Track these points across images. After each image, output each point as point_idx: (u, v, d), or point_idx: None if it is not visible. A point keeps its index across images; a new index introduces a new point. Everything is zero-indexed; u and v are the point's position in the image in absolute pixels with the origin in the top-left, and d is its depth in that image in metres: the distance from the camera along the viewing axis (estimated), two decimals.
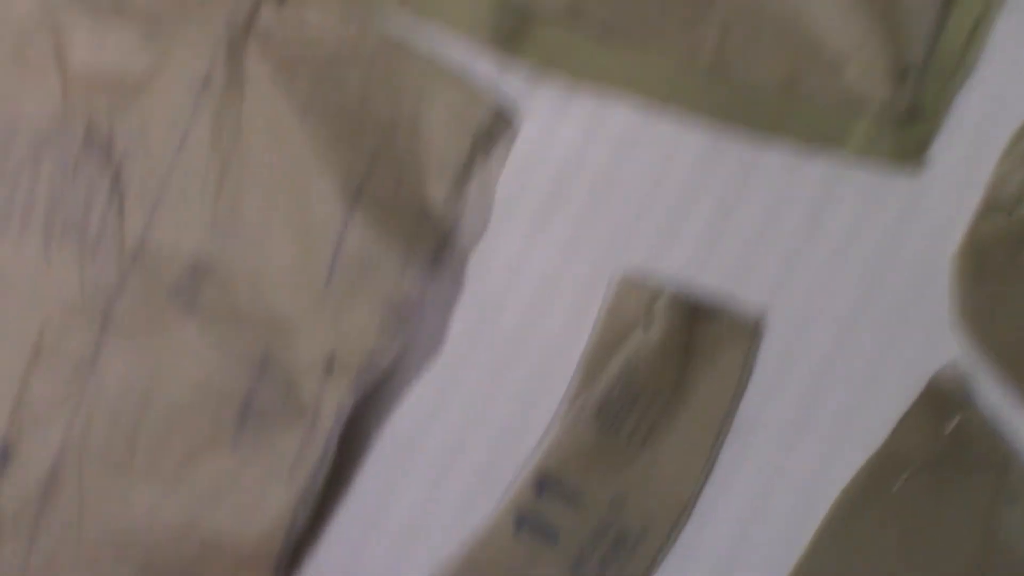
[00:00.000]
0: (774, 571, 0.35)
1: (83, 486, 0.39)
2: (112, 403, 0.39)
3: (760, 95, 0.38)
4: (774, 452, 0.36)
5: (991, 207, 0.35)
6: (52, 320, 0.41)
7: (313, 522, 0.37)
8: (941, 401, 0.34)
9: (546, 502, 0.36)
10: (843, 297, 0.36)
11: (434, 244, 0.38)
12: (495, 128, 0.39)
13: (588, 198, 0.38)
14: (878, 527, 0.34)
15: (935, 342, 0.35)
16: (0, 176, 0.43)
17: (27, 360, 0.41)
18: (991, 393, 0.35)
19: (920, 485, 0.34)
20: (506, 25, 0.39)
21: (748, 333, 0.36)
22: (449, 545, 0.36)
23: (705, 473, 0.36)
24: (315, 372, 0.37)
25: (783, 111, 0.38)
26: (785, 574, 0.35)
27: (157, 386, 0.39)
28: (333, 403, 0.37)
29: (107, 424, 0.39)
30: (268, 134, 0.40)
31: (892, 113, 0.37)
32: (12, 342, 0.41)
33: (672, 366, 0.36)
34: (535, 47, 0.39)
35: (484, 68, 0.39)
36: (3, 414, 0.41)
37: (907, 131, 0.37)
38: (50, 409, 0.40)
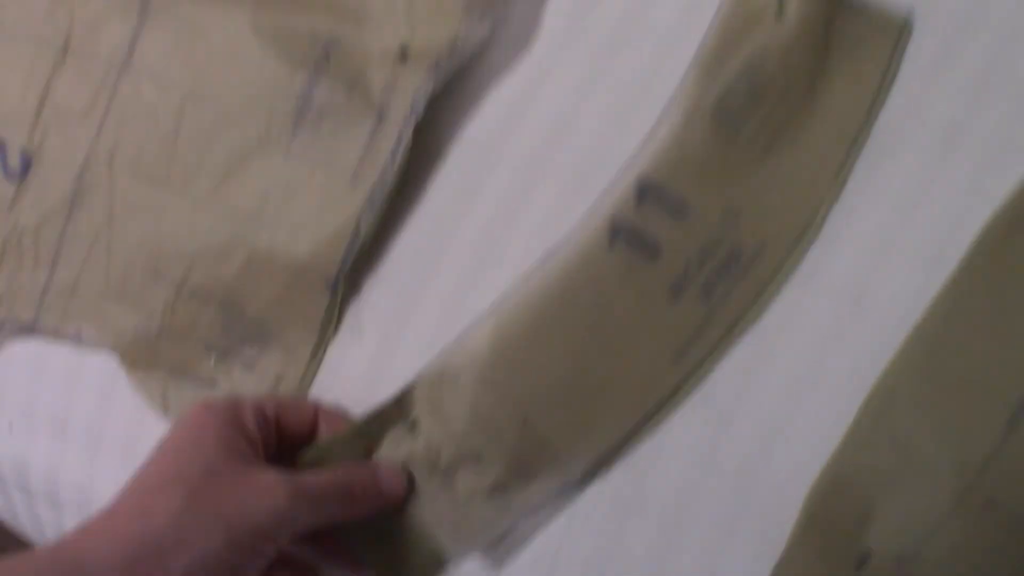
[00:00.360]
0: (912, 303, 0.30)
1: (113, 197, 0.35)
2: (148, 107, 0.35)
3: None
4: (917, 169, 0.31)
5: None
6: (83, 12, 0.36)
7: (378, 234, 0.33)
8: None
9: (647, 212, 0.31)
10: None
11: None
12: None
13: None
14: None
15: None
16: None
17: (53, 60, 0.37)
18: None
19: None
20: None
21: (895, 31, 0.31)
22: (533, 256, 0.32)
23: (836, 188, 0.31)
24: (387, 61, 0.33)
25: None
26: (923, 305, 0.30)
27: (200, 86, 0.35)
28: (407, 95, 0.32)
29: (142, 131, 0.35)
30: None
31: None
32: (36, 41, 0.37)
33: (805, 62, 0.31)
34: None
35: None
36: (25, 121, 0.37)
37: None
38: (78, 114, 0.36)
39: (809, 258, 0.31)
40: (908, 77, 0.32)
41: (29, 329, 0.37)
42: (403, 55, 0.32)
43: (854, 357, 0.30)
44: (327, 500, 0.30)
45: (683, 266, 0.31)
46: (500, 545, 0.32)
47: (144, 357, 0.35)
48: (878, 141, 0.31)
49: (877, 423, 0.30)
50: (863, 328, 0.30)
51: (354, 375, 0.34)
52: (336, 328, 0.34)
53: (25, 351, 0.38)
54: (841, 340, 0.30)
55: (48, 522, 0.40)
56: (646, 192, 0.31)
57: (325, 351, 0.34)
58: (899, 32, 0.31)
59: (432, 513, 0.32)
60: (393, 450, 0.32)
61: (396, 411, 0.33)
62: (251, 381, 0.34)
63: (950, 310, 0.30)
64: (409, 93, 0.32)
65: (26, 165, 0.36)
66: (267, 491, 0.28)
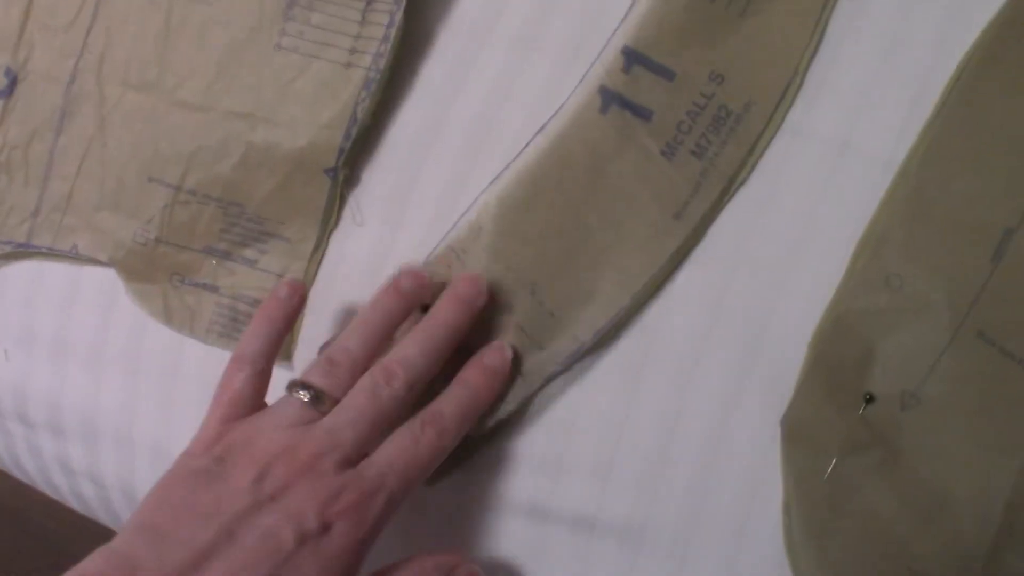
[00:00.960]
0: (895, 146, 0.32)
1: (104, 107, 0.36)
2: (135, 11, 0.36)
3: None
4: (891, 17, 0.32)
5: None
6: None
7: (374, 120, 0.34)
8: None
9: (635, 78, 0.32)
10: None
11: None
12: None
13: None
14: (1010, 89, 0.31)
15: None
16: None
17: None
18: None
19: None
20: None
21: None
22: (529, 131, 0.33)
23: (814, 43, 0.32)
24: None
25: None
26: (906, 148, 0.32)
27: None
28: None
29: (129, 36, 0.36)
30: None
31: None
32: None
33: None
34: None
35: None
36: (9, 39, 0.37)
37: None
38: (63, 26, 0.36)
39: (795, 111, 0.32)
40: None
41: (24, 250, 0.37)
42: None
43: (845, 202, 0.32)
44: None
45: (674, 127, 0.32)
46: (522, 415, 0.33)
47: (143, 266, 0.36)
48: None
49: (870, 266, 0.32)
50: (851, 174, 0.32)
51: (358, 264, 0.35)
52: (338, 218, 0.35)
53: (20, 272, 0.38)
54: (831, 187, 0.32)
55: (50, 453, 0.40)
56: (632, 59, 0.32)
57: (328, 242, 0.35)
58: None
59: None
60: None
61: None
62: (254, 279, 0.35)
63: (930, 151, 0.32)
64: None
65: (12, 82, 0.37)
66: None
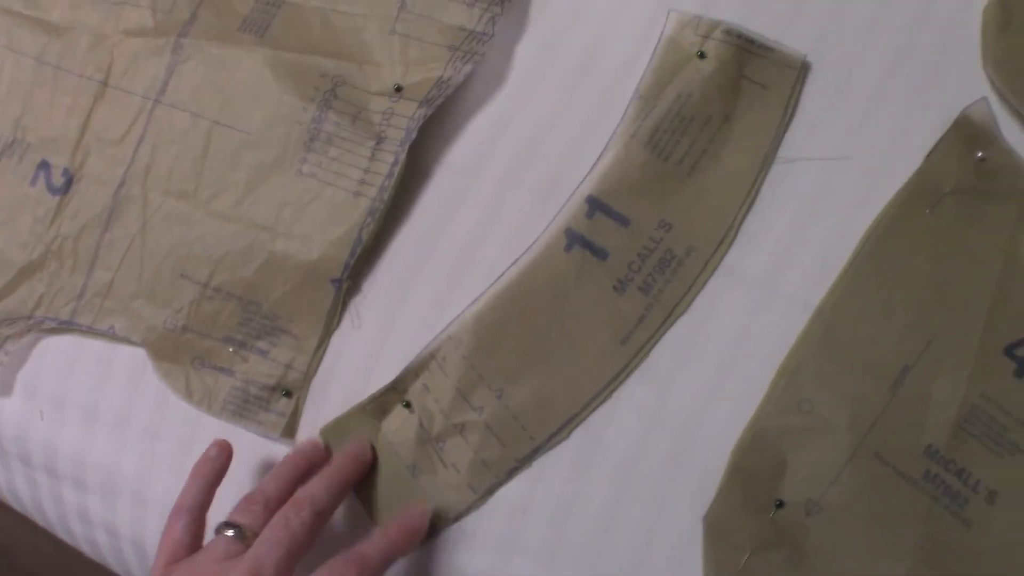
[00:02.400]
0: (813, 290, 0.39)
1: (146, 210, 0.43)
2: (179, 133, 0.43)
3: None
4: (815, 182, 0.40)
5: None
6: (122, 50, 0.44)
7: (376, 240, 0.41)
8: (970, 133, 0.39)
9: (596, 223, 0.40)
10: (886, 42, 0.40)
11: None
12: None
13: None
14: (911, 250, 0.39)
15: (967, 85, 0.40)
16: None
17: (94, 93, 0.44)
18: (1016, 131, 0.39)
19: (950, 211, 0.39)
20: None
21: (795, 71, 0.40)
22: (504, 262, 0.40)
23: (749, 202, 0.40)
24: (385, 96, 0.41)
25: None
26: (822, 293, 0.39)
27: (225, 115, 0.43)
28: (402, 123, 0.41)
29: (173, 153, 0.43)
30: None
31: None
32: (80, 75, 0.44)
33: (723, 96, 0.40)
34: None
35: None
36: (68, 145, 0.44)
37: None
38: (115, 139, 0.44)
39: (730, 255, 0.40)
40: (807, 105, 0.41)
41: (66, 326, 0.44)
42: (398, 92, 0.41)
43: (768, 335, 0.39)
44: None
45: (626, 266, 0.39)
46: (485, 501, 0.39)
47: (170, 349, 0.42)
48: (784, 158, 0.40)
49: (787, 390, 0.39)
50: (774, 311, 0.39)
51: (354, 361, 0.42)
52: (339, 321, 0.42)
53: (60, 345, 0.45)
54: (757, 321, 0.39)
55: (72, 504, 0.46)
56: (595, 207, 0.40)
57: (329, 341, 0.42)
58: (799, 69, 0.40)
59: (430, 478, 0.39)
60: (395, 425, 0.40)
61: (394, 394, 0.40)
62: (265, 367, 0.42)
63: (842, 296, 0.39)
64: (404, 122, 0.40)
65: (68, 182, 0.44)
66: None
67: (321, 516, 0.37)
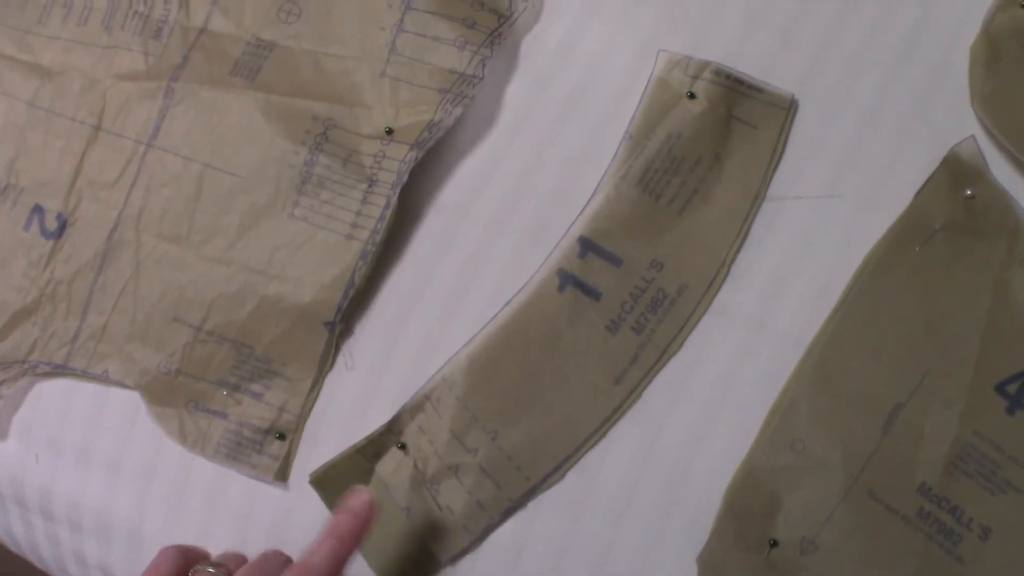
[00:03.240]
0: (804, 327, 0.39)
1: (139, 254, 0.44)
2: (171, 177, 0.44)
3: None
4: (806, 219, 0.40)
5: (1007, 2, 0.40)
6: (114, 94, 0.44)
7: (368, 283, 0.42)
8: (959, 170, 0.40)
9: (588, 264, 0.40)
10: (873, 80, 0.41)
11: (490, 26, 0.42)
12: None
13: None
14: (902, 287, 0.39)
15: (955, 123, 0.40)
16: None
17: (87, 136, 0.45)
18: (1004, 168, 0.40)
19: (940, 248, 0.39)
20: None
21: (784, 110, 0.41)
22: (496, 302, 0.41)
23: (740, 240, 0.40)
24: (376, 139, 0.42)
25: None
26: (814, 331, 0.39)
27: (217, 158, 0.44)
28: (393, 166, 0.41)
29: (166, 197, 0.44)
30: None
31: None
32: (73, 118, 0.45)
33: (713, 136, 0.41)
34: None
35: None
36: (61, 189, 0.45)
37: None
38: (108, 183, 0.44)
39: (721, 294, 0.40)
40: (796, 144, 0.41)
41: (60, 370, 0.45)
42: (389, 134, 0.41)
43: (760, 373, 0.39)
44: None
45: (619, 306, 0.40)
46: (480, 542, 0.40)
47: (164, 392, 0.43)
48: (774, 197, 0.41)
49: (779, 429, 0.39)
50: (766, 349, 0.40)
51: (347, 403, 0.42)
52: (332, 363, 0.42)
53: (54, 388, 0.46)
54: (749, 359, 0.40)
55: (67, 546, 0.47)
56: (587, 248, 0.40)
57: (323, 383, 0.42)
58: (788, 108, 0.41)
59: (424, 519, 0.40)
60: (390, 468, 0.40)
61: (389, 435, 0.41)
62: (258, 410, 0.42)
63: (834, 334, 0.40)
64: (395, 165, 0.41)
65: (62, 226, 0.44)
66: None
67: None
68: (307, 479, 0.41)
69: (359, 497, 0.38)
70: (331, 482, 0.41)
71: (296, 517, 0.43)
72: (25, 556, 0.51)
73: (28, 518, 0.48)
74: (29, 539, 0.49)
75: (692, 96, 0.41)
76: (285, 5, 0.44)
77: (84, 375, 0.45)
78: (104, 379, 0.44)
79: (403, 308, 0.42)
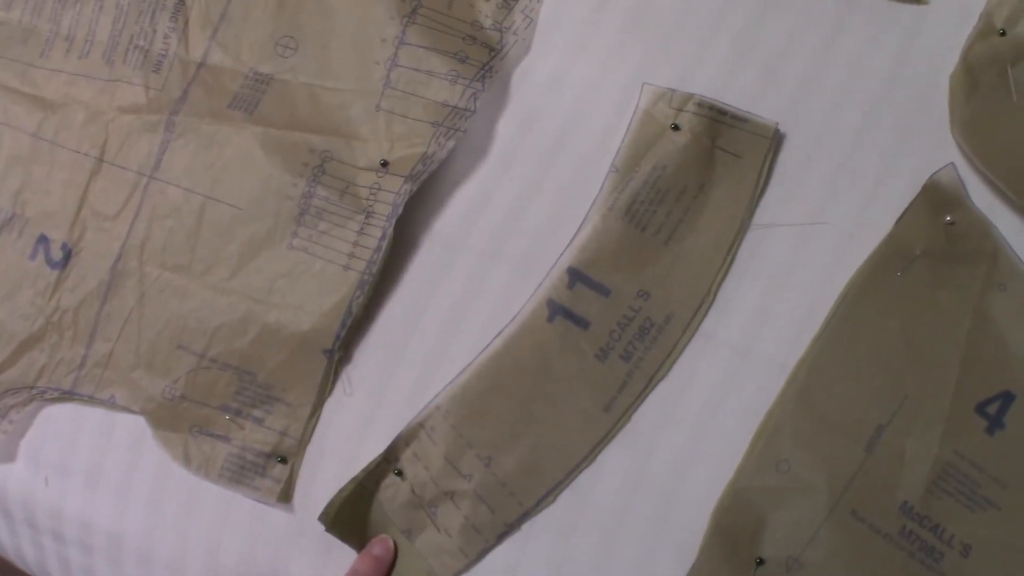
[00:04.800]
0: (789, 352, 0.41)
1: (143, 283, 0.46)
2: (173, 208, 0.46)
3: None
4: (790, 247, 0.42)
5: (986, 31, 0.42)
6: (116, 127, 0.46)
7: (365, 311, 0.43)
8: (939, 197, 0.41)
9: (577, 294, 0.42)
10: (856, 110, 0.43)
11: (482, 60, 0.44)
12: None
13: (623, 22, 0.44)
14: (883, 312, 0.41)
15: (935, 150, 0.42)
16: (63, 3, 0.48)
17: (90, 169, 0.46)
18: (983, 194, 0.41)
19: (921, 273, 0.41)
20: None
21: (768, 139, 0.42)
22: (489, 332, 0.43)
23: (725, 268, 0.42)
24: (371, 171, 0.43)
25: None
26: (798, 355, 0.41)
27: (217, 191, 0.45)
28: (388, 198, 0.43)
29: (168, 227, 0.45)
30: None
31: None
32: (76, 150, 0.47)
33: (697, 167, 0.43)
34: None
35: None
36: (66, 220, 0.47)
37: None
38: (112, 214, 0.46)
39: (707, 321, 0.42)
40: (780, 172, 0.43)
41: (68, 395, 0.47)
42: (384, 166, 0.43)
43: (746, 397, 0.41)
44: None
45: (607, 335, 0.42)
46: (476, 564, 0.41)
47: (169, 417, 0.45)
48: (759, 225, 0.42)
49: (765, 451, 0.41)
50: (752, 374, 0.42)
51: (347, 427, 0.44)
52: (331, 389, 0.44)
53: (62, 413, 0.48)
54: (735, 384, 0.41)
55: (78, 567, 0.49)
56: (575, 278, 0.42)
57: (322, 409, 0.44)
58: (772, 138, 0.43)
59: (423, 543, 0.42)
60: (388, 493, 0.42)
61: (386, 464, 0.43)
62: (260, 434, 0.44)
63: (817, 359, 0.41)
64: (390, 196, 0.43)
65: (67, 256, 0.46)
66: None
67: None
68: (310, 501, 0.43)
69: (382, 544, 0.42)
70: (342, 520, 0.43)
71: (302, 538, 0.45)
72: (33, 575, 0.53)
73: (39, 539, 0.50)
74: (39, 560, 0.51)
75: (676, 128, 0.43)
76: (282, 39, 0.46)
77: (91, 400, 0.47)
78: (111, 404, 0.46)
79: (400, 335, 0.44)
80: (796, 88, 0.43)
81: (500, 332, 0.43)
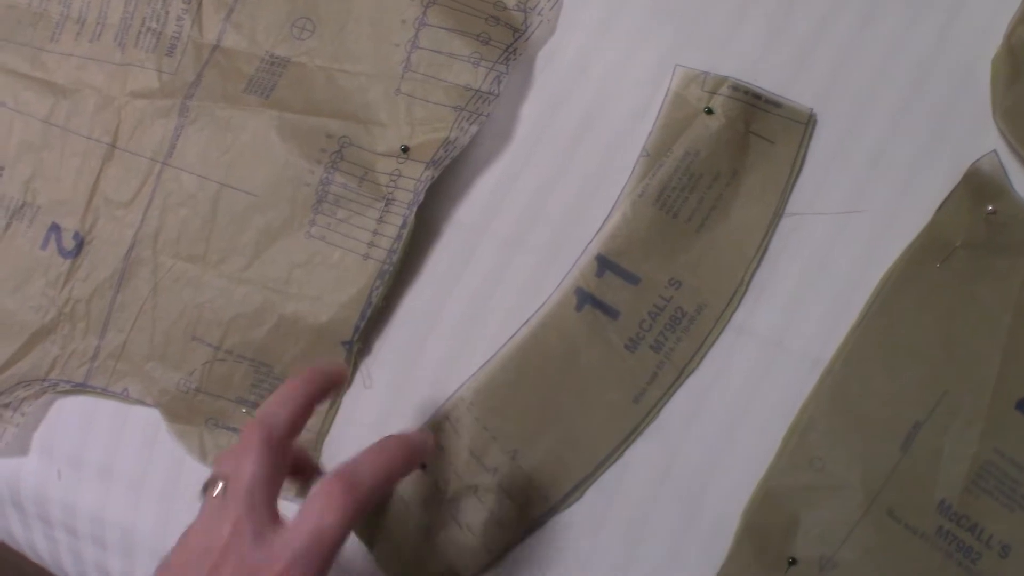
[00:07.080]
0: (823, 346, 0.40)
1: (157, 273, 0.45)
2: (187, 196, 0.45)
3: None
4: (824, 235, 0.41)
5: None
6: (129, 112, 0.45)
7: (385, 301, 0.43)
8: (980, 186, 0.40)
9: (606, 282, 0.41)
10: (893, 94, 0.42)
11: (505, 41, 0.43)
12: None
13: (651, 2, 0.43)
14: (921, 304, 0.40)
15: (976, 137, 0.41)
16: None
17: (103, 155, 0.46)
18: None
19: (961, 265, 0.40)
20: None
21: (803, 125, 0.41)
22: (513, 322, 0.42)
23: (758, 257, 0.41)
24: (391, 158, 0.42)
25: None
26: (834, 347, 0.40)
27: (232, 177, 0.45)
28: (409, 185, 0.42)
29: (182, 216, 0.45)
30: None
31: None
32: (88, 136, 0.46)
33: (731, 152, 0.42)
34: None
35: None
36: (78, 208, 0.46)
37: None
38: (125, 201, 0.45)
39: (739, 312, 0.41)
40: (814, 159, 0.42)
41: (81, 388, 0.46)
42: (405, 152, 0.42)
43: (778, 392, 0.40)
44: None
45: (637, 325, 0.41)
46: (500, 561, 0.41)
47: (184, 410, 0.44)
48: (792, 213, 0.41)
49: (798, 448, 0.40)
50: (784, 368, 0.41)
51: (366, 421, 0.44)
52: (351, 382, 0.43)
53: (75, 405, 0.48)
54: (767, 378, 0.41)
55: (91, 561, 0.48)
56: (604, 266, 0.41)
57: (341, 401, 0.43)
58: (807, 123, 0.42)
59: (445, 538, 0.41)
60: (410, 487, 0.42)
61: None
62: None
63: (852, 353, 0.41)
64: (411, 183, 0.42)
65: (79, 245, 0.46)
66: None
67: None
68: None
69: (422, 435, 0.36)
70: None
71: None
72: (48, 568, 0.53)
73: (51, 533, 0.50)
74: (52, 553, 0.50)
75: (710, 112, 0.42)
76: (298, 21, 0.45)
77: (104, 393, 0.46)
78: (124, 397, 0.46)
79: (421, 327, 0.43)
80: (830, 71, 0.42)
81: (526, 321, 0.42)
